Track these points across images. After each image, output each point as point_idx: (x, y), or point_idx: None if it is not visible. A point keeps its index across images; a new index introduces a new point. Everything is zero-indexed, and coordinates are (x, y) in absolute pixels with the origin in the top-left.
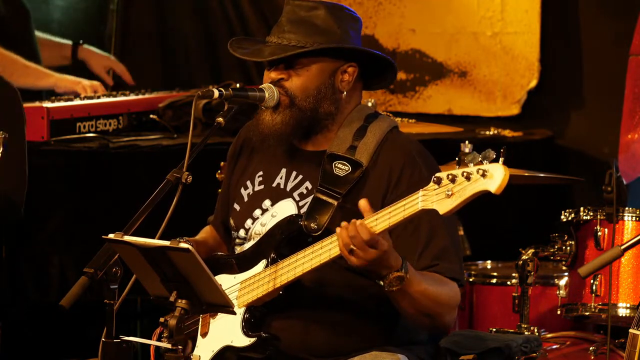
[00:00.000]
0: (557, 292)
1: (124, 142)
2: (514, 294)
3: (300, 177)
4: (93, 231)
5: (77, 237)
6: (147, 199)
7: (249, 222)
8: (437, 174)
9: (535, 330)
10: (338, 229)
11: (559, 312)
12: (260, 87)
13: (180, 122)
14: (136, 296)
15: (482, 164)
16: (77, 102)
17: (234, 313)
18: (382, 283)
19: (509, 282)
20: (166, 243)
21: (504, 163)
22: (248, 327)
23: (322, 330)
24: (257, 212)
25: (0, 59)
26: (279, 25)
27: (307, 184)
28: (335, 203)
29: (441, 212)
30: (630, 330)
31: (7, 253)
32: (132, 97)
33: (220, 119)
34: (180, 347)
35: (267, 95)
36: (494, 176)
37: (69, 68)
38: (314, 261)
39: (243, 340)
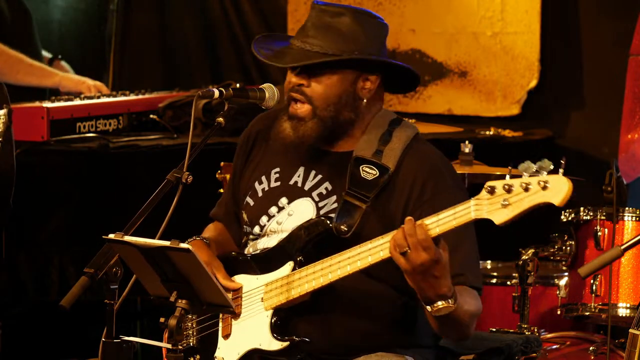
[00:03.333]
0: (557, 292)
1: (124, 142)
2: (514, 294)
3: (320, 177)
4: (93, 231)
5: (77, 237)
6: (147, 199)
7: (264, 219)
8: (490, 183)
9: (535, 330)
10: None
11: (559, 312)
12: (260, 87)
13: (180, 122)
14: (136, 296)
15: (539, 174)
16: (77, 102)
17: (234, 313)
18: (429, 308)
19: (509, 282)
20: (166, 243)
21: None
22: (277, 331)
23: (335, 330)
24: (273, 209)
25: (5, 58)
26: (304, 30)
27: (327, 185)
28: (364, 206)
29: (497, 222)
30: (630, 330)
31: (7, 253)
32: (132, 97)
33: (221, 119)
34: (180, 347)
35: (267, 95)
36: (558, 189)
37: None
38: (352, 267)
39: (273, 344)
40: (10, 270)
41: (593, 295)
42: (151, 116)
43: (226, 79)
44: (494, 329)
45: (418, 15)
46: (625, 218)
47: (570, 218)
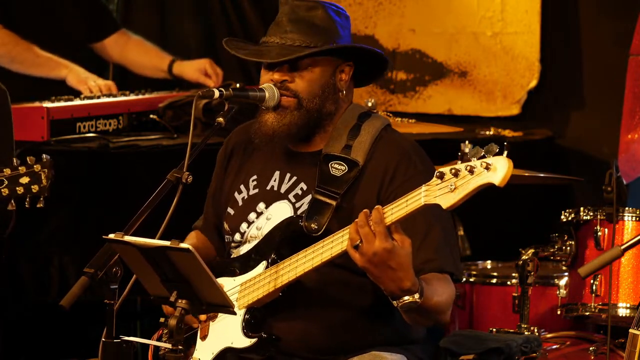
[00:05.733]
0: (557, 292)
1: (124, 142)
2: (514, 294)
3: (295, 178)
4: (93, 231)
5: (77, 237)
6: (147, 199)
7: (244, 225)
8: (441, 169)
9: (535, 330)
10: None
11: (559, 312)
12: (260, 87)
13: (180, 122)
14: (136, 296)
15: (485, 157)
16: (77, 102)
17: (234, 313)
18: (395, 303)
19: (509, 282)
20: (166, 243)
21: (507, 156)
22: (248, 328)
23: (322, 330)
24: (252, 215)
25: (13, 46)
26: (280, 25)
27: (302, 185)
28: (334, 203)
29: (444, 206)
30: (630, 330)
31: (7, 253)
32: (132, 97)
33: (221, 119)
34: (180, 347)
35: (267, 95)
36: (498, 169)
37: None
38: (315, 260)
39: (243, 341)
40: (10, 270)
41: (593, 295)
42: (151, 116)
43: (226, 79)
44: (494, 329)
45: (418, 15)
46: (625, 218)
47: (570, 218)
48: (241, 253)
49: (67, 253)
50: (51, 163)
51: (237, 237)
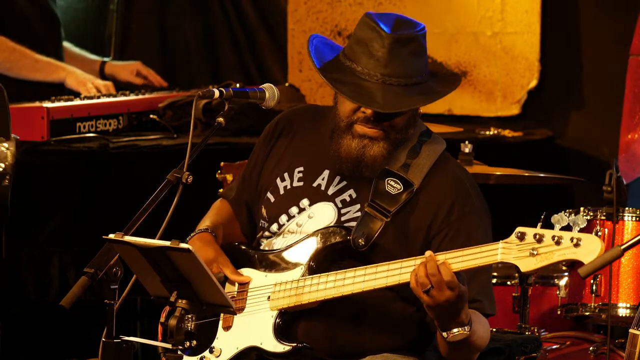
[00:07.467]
0: (557, 292)
1: (124, 142)
2: (514, 294)
3: (344, 183)
4: (93, 231)
5: (77, 237)
6: (147, 199)
7: (283, 217)
8: (521, 229)
9: (535, 330)
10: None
11: (559, 312)
12: (260, 86)
13: (180, 122)
14: (136, 296)
15: (571, 229)
16: (77, 102)
17: (234, 313)
18: (444, 334)
19: (509, 282)
20: (166, 243)
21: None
22: (280, 333)
23: (341, 331)
24: (294, 209)
25: (10, 53)
26: (379, 60)
27: (352, 192)
28: (384, 220)
29: (523, 269)
30: (630, 330)
31: (7, 253)
32: (132, 97)
33: (221, 119)
34: (180, 347)
35: (267, 95)
36: (589, 248)
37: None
38: (367, 284)
39: (275, 346)
40: (10, 270)
41: (593, 295)
42: (151, 116)
43: (226, 79)
44: (494, 329)
45: (418, 15)
46: (625, 218)
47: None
48: (274, 246)
49: (67, 253)
50: (17, 142)
51: (274, 227)
